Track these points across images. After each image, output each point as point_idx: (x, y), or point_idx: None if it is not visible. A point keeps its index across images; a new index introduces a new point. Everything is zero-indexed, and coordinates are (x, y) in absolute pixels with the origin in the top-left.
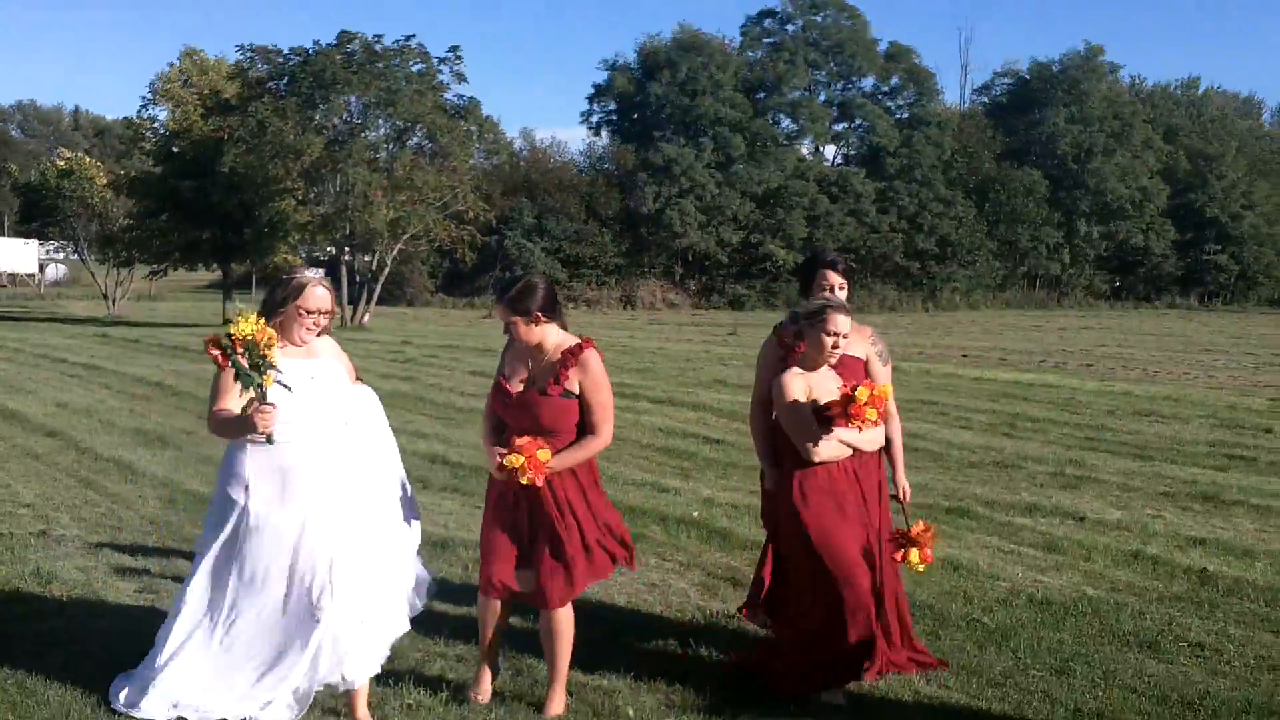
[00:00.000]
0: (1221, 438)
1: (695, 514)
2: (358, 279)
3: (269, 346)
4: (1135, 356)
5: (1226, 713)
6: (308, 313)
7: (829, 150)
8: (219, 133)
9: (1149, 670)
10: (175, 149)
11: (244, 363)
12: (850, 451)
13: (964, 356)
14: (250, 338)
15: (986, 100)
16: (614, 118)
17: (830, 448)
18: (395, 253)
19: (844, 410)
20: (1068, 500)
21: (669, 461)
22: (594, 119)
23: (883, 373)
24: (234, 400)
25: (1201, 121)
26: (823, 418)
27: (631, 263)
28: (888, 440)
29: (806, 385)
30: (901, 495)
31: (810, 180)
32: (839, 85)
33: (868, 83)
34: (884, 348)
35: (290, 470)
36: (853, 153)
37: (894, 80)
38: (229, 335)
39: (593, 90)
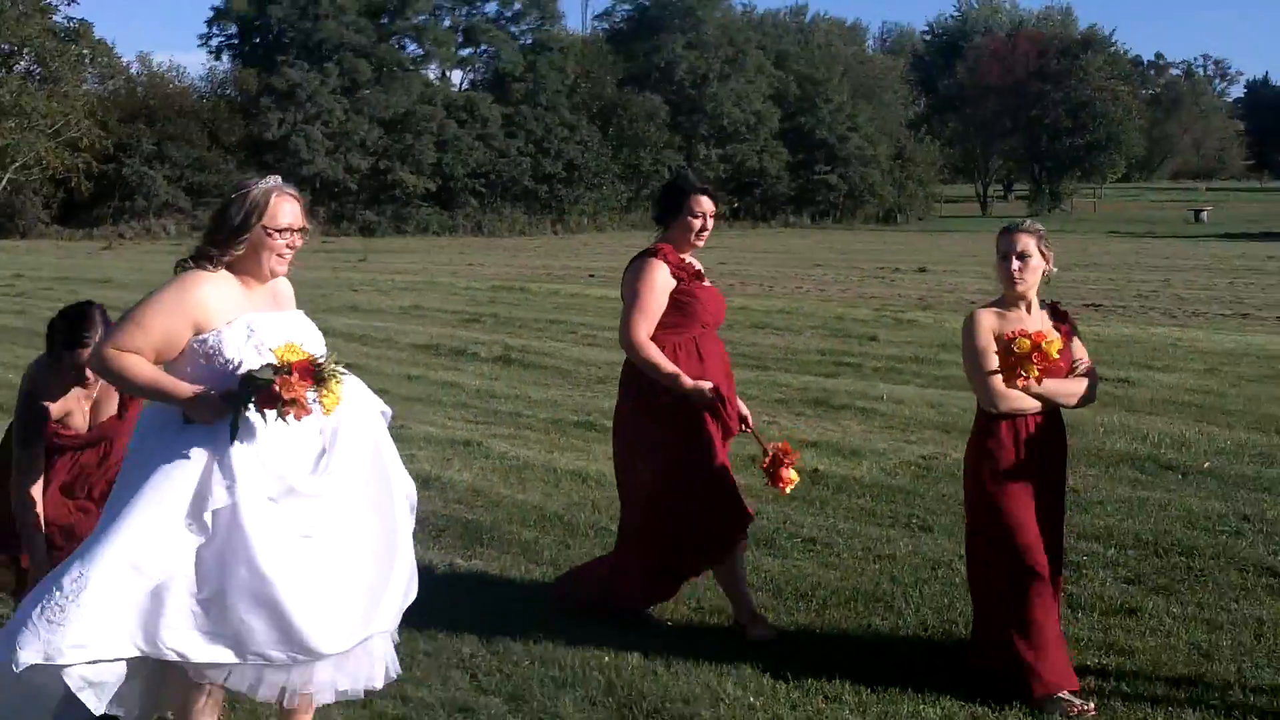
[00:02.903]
0: (831, 346)
1: None
2: None
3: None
4: (752, 273)
5: (836, 601)
6: (278, 232)
7: (456, 75)
8: None
9: (765, 566)
10: None
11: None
12: (1039, 406)
13: (591, 277)
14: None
15: (608, 26)
16: (235, 41)
17: (1017, 399)
18: (4, 183)
19: (1002, 361)
20: None
21: None
22: (213, 43)
23: None
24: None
25: (809, 48)
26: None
27: None
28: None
29: (997, 325)
30: (747, 421)
31: (439, 105)
32: (463, 10)
33: (491, 7)
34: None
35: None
36: (479, 78)
37: (516, 5)
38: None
39: (211, 13)
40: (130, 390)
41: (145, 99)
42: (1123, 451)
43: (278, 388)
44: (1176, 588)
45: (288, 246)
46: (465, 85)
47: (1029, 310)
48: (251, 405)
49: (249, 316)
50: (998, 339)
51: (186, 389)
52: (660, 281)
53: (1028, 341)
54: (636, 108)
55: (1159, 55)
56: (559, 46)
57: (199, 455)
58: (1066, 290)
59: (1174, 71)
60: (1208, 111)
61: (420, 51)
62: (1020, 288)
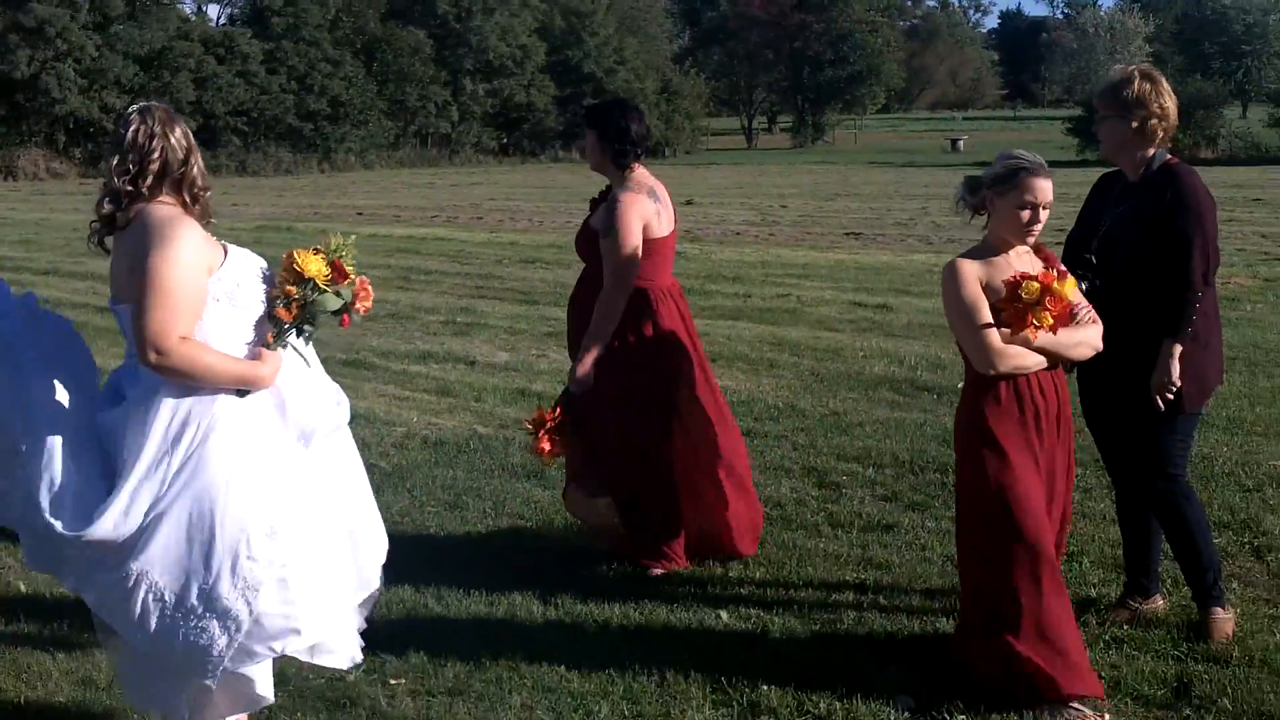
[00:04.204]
0: None
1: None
2: None
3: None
4: (522, 209)
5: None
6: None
7: (213, 10)
8: None
9: (535, 497)
10: None
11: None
12: (1044, 362)
13: (359, 215)
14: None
15: None
16: None
17: (1018, 355)
18: None
19: (1009, 309)
20: (459, 346)
21: None
22: None
23: None
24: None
25: None
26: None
27: (10, 131)
28: None
29: (984, 275)
30: None
31: (195, 41)
32: None
33: None
34: None
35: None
36: (237, 12)
37: None
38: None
39: None
40: (204, 383)
41: None
42: (881, 375)
43: (356, 301)
44: (931, 504)
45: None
46: (223, 20)
47: (1013, 257)
48: (293, 332)
49: (232, 247)
50: (987, 288)
51: (260, 362)
52: None
53: (1036, 285)
54: (400, 42)
55: None
56: None
57: (265, 409)
58: (829, 220)
59: (930, 3)
60: (963, 43)
61: None
62: (1032, 241)
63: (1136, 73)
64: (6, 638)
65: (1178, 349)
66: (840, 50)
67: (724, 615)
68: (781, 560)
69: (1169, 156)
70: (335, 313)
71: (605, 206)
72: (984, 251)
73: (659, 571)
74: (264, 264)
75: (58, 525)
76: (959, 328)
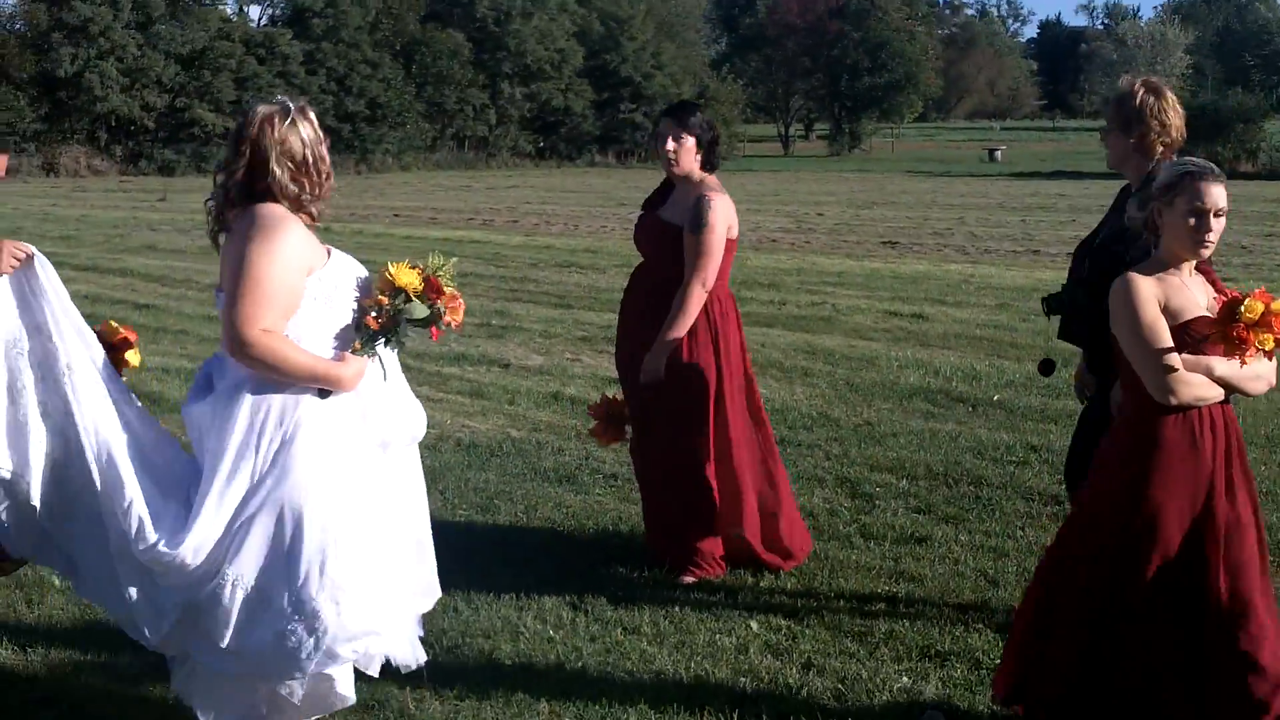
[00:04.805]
0: None
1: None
2: None
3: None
4: (558, 213)
5: (638, 532)
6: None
7: (254, 11)
8: None
9: (567, 501)
10: None
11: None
12: (1222, 394)
13: (395, 217)
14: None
15: None
16: None
17: (1201, 385)
18: None
19: (1224, 331)
20: (493, 349)
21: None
22: None
23: None
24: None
25: None
26: (1188, 340)
27: (52, 128)
28: None
29: (1160, 293)
30: None
31: (236, 41)
32: None
33: None
34: None
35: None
36: (278, 13)
37: None
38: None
39: None
40: (284, 377)
41: None
42: (916, 385)
43: (445, 314)
44: (965, 516)
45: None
46: (264, 21)
47: (1189, 274)
48: (381, 341)
49: (335, 251)
50: (1164, 309)
51: (340, 364)
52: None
53: (1260, 305)
54: (439, 45)
55: None
56: None
57: (346, 416)
58: (865, 228)
59: (969, 12)
60: (1001, 52)
61: None
62: (1208, 253)
63: (1141, 86)
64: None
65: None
66: (878, 58)
67: (754, 625)
68: (813, 571)
69: None
70: (422, 322)
71: (696, 202)
72: (1156, 267)
73: (690, 580)
74: (364, 273)
75: (159, 546)
76: (1136, 352)
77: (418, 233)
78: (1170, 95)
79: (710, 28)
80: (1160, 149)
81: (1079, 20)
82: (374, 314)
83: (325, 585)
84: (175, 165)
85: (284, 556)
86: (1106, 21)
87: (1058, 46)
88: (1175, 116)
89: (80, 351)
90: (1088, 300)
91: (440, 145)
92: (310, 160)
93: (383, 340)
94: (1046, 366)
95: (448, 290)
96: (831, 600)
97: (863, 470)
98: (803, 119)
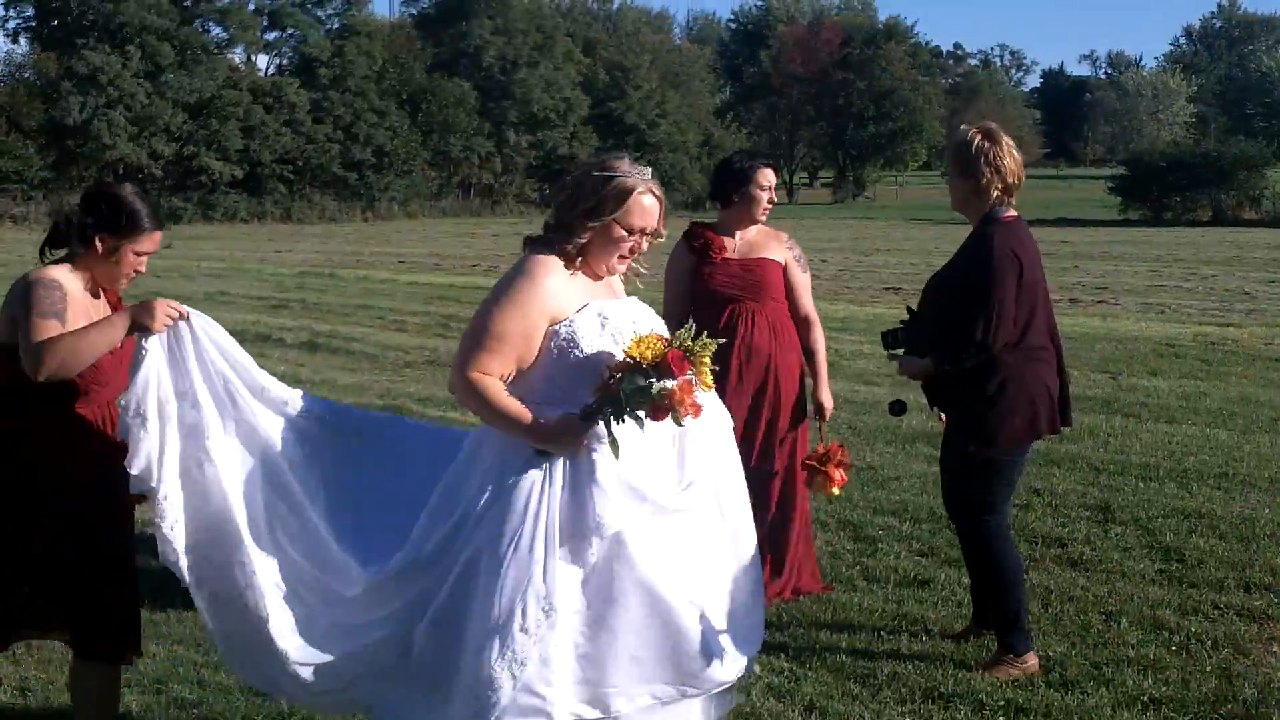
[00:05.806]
0: None
1: None
2: None
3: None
4: None
5: None
6: (630, 233)
7: (262, 60)
8: None
9: None
10: None
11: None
12: None
13: (400, 262)
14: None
15: (415, 12)
16: (32, 24)
17: None
18: None
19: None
20: None
21: None
22: (10, 25)
23: (802, 280)
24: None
25: (618, 35)
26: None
27: (60, 176)
28: (809, 352)
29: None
30: (823, 413)
31: (244, 90)
32: None
33: None
34: (800, 253)
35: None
36: (285, 63)
37: None
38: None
39: None
40: (489, 422)
41: None
42: (918, 429)
43: (676, 395)
44: None
45: (631, 250)
46: (272, 70)
47: None
48: (625, 416)
49: (599, 304)
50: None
51: (547, 425)
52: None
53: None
54: (446, 94)
55: (958, 45)
56: (366, 31)
57: (556, 479)
58: (868, 274)
59: (972, 61)
60: (1005, 100)
61: (225, 35)
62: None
63: (978, 133)
64: None
65: (925, 375)
66: (882, 107)
67: (756, 667)
68: (816, 613)
69: (1008, 213)
70: (645, 398)
71: (790, 242)
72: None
73: None
74: (629, 331)
75: (359, 568)
76: None
77: (422, 278)
78: (1006, 141)
79: (715, 77)
80: (995, 192)
81: (1082, 69)
82: (606, 378)
83: (506, 654)
84: (182, 213)
85: (470, 614)
86: (1109, 70)
87: (1061, 95)
88: (1011, 162)
89: (216, 420)
90: (923, 335)
91: (446, 192)
92: (601, 209)
93: (608, 410)
94: (897, 407)
95: (689, 375)
96: (835, 642)
97: (866, 513)
98: (807, 167)
